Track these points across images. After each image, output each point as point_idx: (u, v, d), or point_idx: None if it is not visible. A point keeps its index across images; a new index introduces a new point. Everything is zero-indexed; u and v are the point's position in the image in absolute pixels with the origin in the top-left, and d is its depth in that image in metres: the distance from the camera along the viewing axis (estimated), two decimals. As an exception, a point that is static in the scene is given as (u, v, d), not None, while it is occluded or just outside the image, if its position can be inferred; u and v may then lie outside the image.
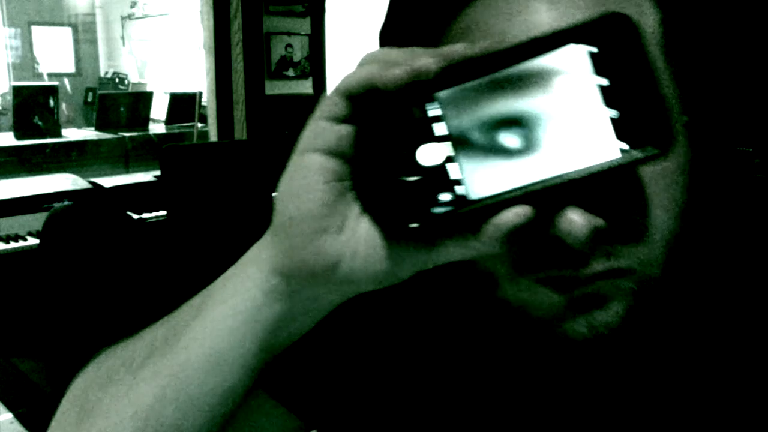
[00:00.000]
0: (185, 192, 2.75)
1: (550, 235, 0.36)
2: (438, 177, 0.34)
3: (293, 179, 0.36)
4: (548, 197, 0.34)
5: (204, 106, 3.90)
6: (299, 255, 0.37)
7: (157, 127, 5.49)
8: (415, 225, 0.35)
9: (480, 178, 0.34)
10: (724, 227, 0.53)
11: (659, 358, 0.47)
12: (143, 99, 5.62)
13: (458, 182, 0.34)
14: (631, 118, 0.34)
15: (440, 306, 0.52)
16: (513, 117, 0.34)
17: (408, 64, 0.33)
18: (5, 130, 5.53)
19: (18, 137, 4.72)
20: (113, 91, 7.05)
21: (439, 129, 0.34)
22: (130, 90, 7.41)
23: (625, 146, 0.34)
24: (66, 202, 2.95)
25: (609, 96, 0.34)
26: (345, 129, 0.35)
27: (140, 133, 5.15)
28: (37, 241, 2.83)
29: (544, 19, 0.40)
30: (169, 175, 2.76)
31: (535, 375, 0.48)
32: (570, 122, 0.34)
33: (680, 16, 0.45)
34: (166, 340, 0.41)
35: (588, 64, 0.34)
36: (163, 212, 3.02)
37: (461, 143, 0.34)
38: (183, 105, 5.13)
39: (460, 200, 0.34)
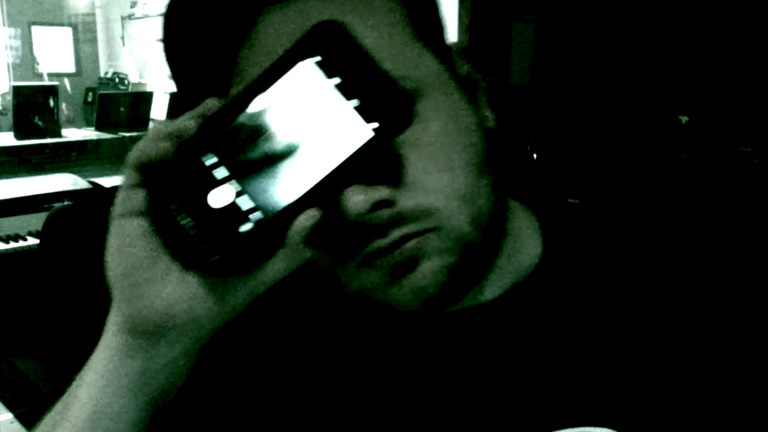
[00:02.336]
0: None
1: (345, 219, 0.41)
2: (234, 213, 0.39)
3: (113, 243, 0.41)
4: (330, 190, 0.40)
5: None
6: (134, 310, 0.41)
7: (157, 127, 5.48)
8: (227, 258, 0.39)
9: (269, 200, 0.39)
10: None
11: (539, 333, 0.50)
12: (143, 99, 5.62)
13: (252, 210, 0.39)
14: (370, 101, 0.39)
15: (299, 317, 0.54)
16: (278, 138, 0.39)
17: (171, 133, 0.39)
18: (5, 130, 5.52)
19: (18, 137, 4.72)
20: (113, 91, 7.05)
21: (220, 173, 0.39)
22: (130, 90, 7.40)
23: (375, 125, 0.39)
24: (66, 202, 2.95)
25: (346, 90, 0.39)
26: (142, 193, 0.40)
27: (140, 133, 5.14)
28: (37, 241, 2.83)
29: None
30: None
31: (397, 356, 0.51)
32: (324, 123, 0.39)
33: (419, 7, 0.49)
34: (66, 407, 0.45)
35: (318, 71, 0.39)
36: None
37: (243, 177, 0.39)
38: (183, 105, 5.12)
39: (259, 225, 0.39)
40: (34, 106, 4.80)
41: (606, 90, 4.89)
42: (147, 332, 0.41)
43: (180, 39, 0.48)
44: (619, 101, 4.88)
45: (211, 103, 0.40)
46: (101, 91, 6.36)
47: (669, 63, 4.69)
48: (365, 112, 0.39)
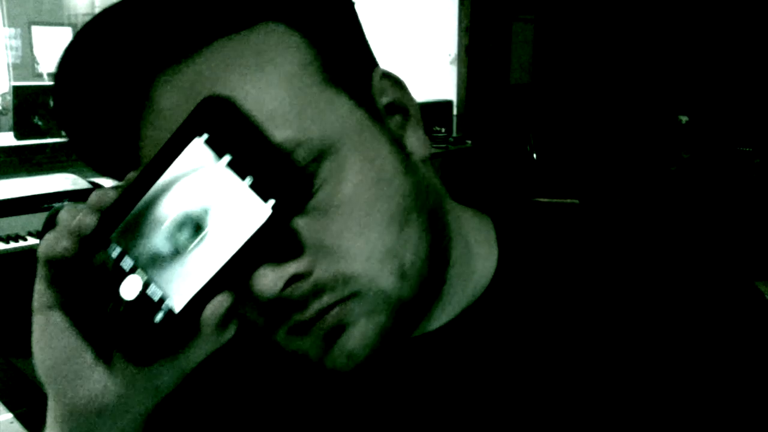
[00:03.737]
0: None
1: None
2: (146, 303, 0.38)
3: (36, 337, 0.41)
4: (238, 271, 0.38)
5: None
6: (66, 402, 0.41)
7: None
8: (146, 349, 0.39)
9: (177, 288, 0.38)
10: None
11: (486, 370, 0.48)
12: (143, 99, 5.60)
13: (162, 300, 0.38)
14: (264, 179, 0.38)
15: (246, 363, 0.55)
16: (177, 224, 0.38)
17: (71, 231, 0.39)
18: (5, 130, 5.52)
19: (18, 137, 4.72)
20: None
21: (127, 264, 0.38)
22: (130, 90, 7.38)
23: (272, 202, 0.38)
24: (66, 202, 2.94)
25: (239, 168, 0.38)
26: (53, 289, 0.40)
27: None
28: (37, 241, 2.83)
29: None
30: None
31: (344, 393, 0.51)
32: (221, 204, 0.38)
33: (332, 44, 0.46)
34: None
35: (208, 151, 0.38)
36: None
37: (149, 266, 0.38)
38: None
39: (171, 314, 0.38)
40: (34, 106, 4.80)
41: (606, 90, 4.89)
42: (81, 422, 0.42)
43: (77, 111, 0.46)
44: (619, 101, 4.88)
45: (108, 194, 0.39)
46: (101, 91, 6.35)
47: (669, 63, 4.69)
48: (260, 190, 0.38)
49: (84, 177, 3.41)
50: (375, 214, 0.43)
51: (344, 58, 0.46)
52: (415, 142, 0.48)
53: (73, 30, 8.51)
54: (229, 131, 0.38)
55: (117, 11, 0.43)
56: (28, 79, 7.46)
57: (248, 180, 0.38)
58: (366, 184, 0.43)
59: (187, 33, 0.43)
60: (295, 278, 0.41)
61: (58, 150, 4.73)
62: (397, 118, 0.48)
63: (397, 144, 0.47)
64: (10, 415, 1.56)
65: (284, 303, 0.42)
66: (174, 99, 0.43)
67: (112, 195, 0.39)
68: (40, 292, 0.40)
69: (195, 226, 0.38)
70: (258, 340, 0.47)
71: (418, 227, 0.45)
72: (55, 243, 0.39)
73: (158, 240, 0.38)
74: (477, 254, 0.51)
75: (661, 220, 4.18)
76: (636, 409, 0.46)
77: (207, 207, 0.38)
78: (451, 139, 4.79)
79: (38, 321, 0.41)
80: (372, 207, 0.43)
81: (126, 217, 0.39)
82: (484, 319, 0.49)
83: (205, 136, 0.38)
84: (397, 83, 0.49)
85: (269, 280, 0.40)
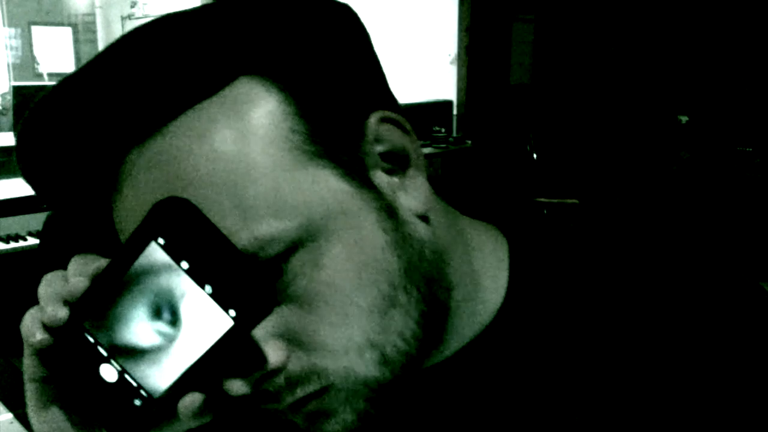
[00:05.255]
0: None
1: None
2: (124, 386, 0.39)
3: (29, 403, 0.42)
4: (205, 373, 0.38)
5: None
6: None
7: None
8: (126, 429, 0.40)
9: (149, 381, 0.39)
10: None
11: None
12: (143, 99, 5.59)
13: (140, 387, 0.39)
14: (224, 287, 0.36)
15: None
16: (141, 324, 0.38)
17: (43, 322, 0.39)
18: (5, 130, 5.52)
19: (18, 137, 4.72)
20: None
21: (102, 351, 0.39)
22: (130, 90, 7.37)
23: (233, 312, 0.36)
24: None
25: (197, 275, 0.36)
26: (40, 365, 0.40)
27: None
28: (37, 241, 2.83)
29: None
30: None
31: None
32: (183, 309, 0.37)
33: (320, 95, 0.43)
34: None
35: (164, 255, 0.36)
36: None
37: (120, 358, 0.39)
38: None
39: (147, 401, 0.39)
40: (34, 106, 4.80)
41: (606, 90, 4.89)
42: None
43: (43, 174, 0.45)
44: (619, 101, 4.87)
45: (78, 285, 0.39)
46: (101, 91, 6.35)
47: (669, 63, 4.68)
48: (221, 299, 0.36)
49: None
50: (353, 305, 0.41)
51: (332, 112, 0.42)
52: (413, 195, 0.45)
53: (73, 30, 8.52)
54: (187, 236, 0.36)
55: (78, 83, 0.41)
56: (28, 79, 7.46)
57: (207, 288, 0.36)
58: (346, 273, 0.41)
59: (157, 104, 0.40)
60: (269, 374, 0.41)
61: (58, 150, 4.73)
62: (392, 171, 0.45)
63: (388, 212, 0.43)
64: (10, 415, 1.56)
65: (260, 392, 0.42)
66: (147, 176, 0.41)
67: (82, 286, 0.39)
68: (28, 365, 0.41)
69: (161, 325, 0.38)
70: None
71: (405, 305, 0.43)
72: (30, 333, 0.40)
73: (127, 335, 0.38)
74: (488, 277, 0.49)
75: (666, 227, 4.18)
76: None
77: (169, 308, 0.37)
78: (451, 139, 4.79)
79: (29, 390, 0.42)
80: (350, 298, 0.41)
81: (96, 308, 0.39)
82: (493, 348, 0.48)
83: (161, 240, 0.36)
84: (398, 126, 0.45)
85: (238, 386, 0.40)
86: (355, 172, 0.43)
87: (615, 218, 4.48)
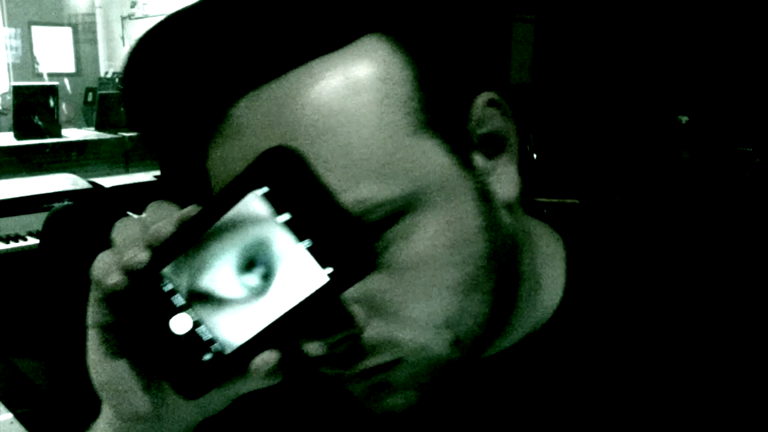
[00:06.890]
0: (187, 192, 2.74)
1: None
2: (195, 341, 0.38)
3: (91, 352, 0.41)
4: (286, 330, 0.37)
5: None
6: (120, 412, 0.41)
7: (157, 127, 5.47)
8: (191, 385, 0.39)
9: (225, 335, 0.37)
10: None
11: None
12: (143, 99, 5.59)
13: (211, 341, 0.38)
14: (325, 243, 0.36)
15: (306, 407, 0.54)
16: (229, 275, 0.37)
17: (124, 265, 0.37)
18: (5, 130, 5.52)
19: (18, 137, 4.72)
20: (113, 91, 7.03)
21: (178, 300, 0.38)
22: (130, 90, 7.36)
23: (330, 270, 0.36)
24: (66, 202, 2.95)
25: (297, 228, 0.36)
26: (106, 310, 0.39)
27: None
28: (37, 241, 2.83)
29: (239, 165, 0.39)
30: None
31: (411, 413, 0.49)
32: (274, 261, 0.36)
33: (439, 66, 0.42)
34: None
35: (266, 206, 0.36)
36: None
37: (198, 308, 0.38)
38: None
39: (219, 357, 0.38)
40: (34, 106, 4.79)
41: (606, 90, 4.89)
42: (130, 428, 0.43)
43: (146, 113, 0.44)
44: (619, 101, 4.87)
45: (164, 229, 0.38)
46: (101, 92, 6.35)
47: (669, 63, 4.68)
48: (319, 255, 0.36)
49: (84, 177, 3.41)
50: (441, 281, 0.41)
51: (449, 84, 0.42)
52: (505, 181, 0.45)
53: (73, 30, 8.52)
54: (292, 188, 0.36)
55: (197, 16, 0.40)
56: (28, 79, 7.47)
57: (306, 242, 0.36)
58: (439, 249, 0.40)
59: (282, 50, 0.39)
60: (346, 338, 0.40)
61: (58, 150, 4.73)
62: (488, 155, 0.44)
63: (483, 196, 0.43)
64: (10, 415, 1.56)
65: (331, 356, 0.41)
66: (255, 122, 0.40)
67: (167, 231, 0.37)
68: (93, 310, 0.39)
69: (249, 277, 0.37)
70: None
71: (485, 290, 0.43)
72: (105, 274, 0.38)
73: (210, 285, 0.37)
74: (548, 276, 0.49)
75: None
76: None
77: (261, 260, 0.36)
78: (451, 139, 4.79)
79: (91, 337, 0.40)
80: (439, 274, 0.41)
81: (179, 256, 0.37)
82: (550, 344, 0.48)
83: (265, 189, 0.36)
84: (503, 111, 0.44)
85: (316, 347, 0.39)
86: (460, 149, 0.42)
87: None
